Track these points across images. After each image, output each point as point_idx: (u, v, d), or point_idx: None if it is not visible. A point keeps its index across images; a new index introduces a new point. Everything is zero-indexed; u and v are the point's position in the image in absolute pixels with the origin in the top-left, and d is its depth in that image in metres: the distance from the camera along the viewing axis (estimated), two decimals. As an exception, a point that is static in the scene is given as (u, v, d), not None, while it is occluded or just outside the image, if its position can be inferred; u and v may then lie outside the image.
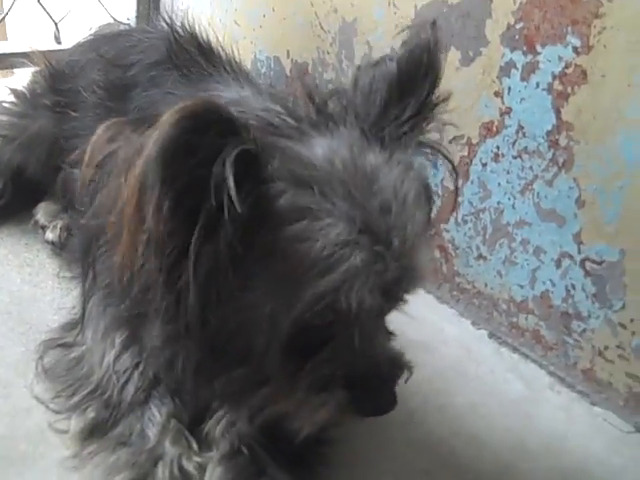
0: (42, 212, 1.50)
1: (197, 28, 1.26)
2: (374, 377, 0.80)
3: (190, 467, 0.92)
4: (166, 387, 0.98)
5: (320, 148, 0.77)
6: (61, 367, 1.05)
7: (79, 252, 1.19)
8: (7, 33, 2.62)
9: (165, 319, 0.76)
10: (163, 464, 0.90)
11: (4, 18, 2.19)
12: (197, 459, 0.93)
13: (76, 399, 0.99)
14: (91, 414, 0.96)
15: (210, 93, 1.07)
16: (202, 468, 0.93)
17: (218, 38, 1.27)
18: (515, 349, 1.31)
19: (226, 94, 1.06)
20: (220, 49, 1.25)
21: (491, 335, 1.35)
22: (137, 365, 0.99)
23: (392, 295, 0.79)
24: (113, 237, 0.72)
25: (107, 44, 1.43)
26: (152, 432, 0.94)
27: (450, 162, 0.97)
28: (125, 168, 0.68)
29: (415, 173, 0.83)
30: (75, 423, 0.96)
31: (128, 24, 2.08)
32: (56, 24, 2.16)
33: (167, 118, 0.63)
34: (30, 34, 2.42)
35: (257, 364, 0.78)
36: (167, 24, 1.27)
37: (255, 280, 0.73)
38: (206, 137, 0.65)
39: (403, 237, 0.76)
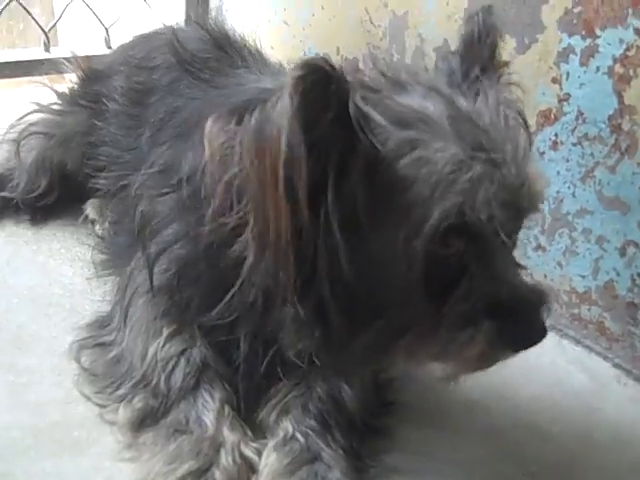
0: (91, 207, 1.53)
1: (228, 25, 1.28)
2: (519, 304, 0.78)
3: (250, 453, 0.92)
4: (215, 373, 0.97)
5: (412, 97, 0.79)
6: (101, 367, 1.04)
7: (121, 249, 1.20)
8: (58, 39, 2.69)
9: (297, 298, 0.77)
10: (225, 451, 0.89)
11: (55, 24, 2.24)
12: (254, 445, 0.93)
13: (121, 392, 0.98)
14: (139, 404, 0.95)
15: (241, 87, 1.09)
16: (259, 454, 0.92)
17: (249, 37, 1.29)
18: (578, 341, 1.27)
19: (261, 85, 1.06)
20: (247, 46, 1.27)
21: (552, 328, 1.31)
22: (183, 352, 0.98)
23: (517, 208, 0.78)
24: (255, 223, 0.72)
25: (140, 44, 1.45)
26: (209, 419, 0.92)
27: (523, 119, 0.94)
28: (257, 150, 0.69)
29: (506, 101, 0.87)
30: (123, 413, 0.95)
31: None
32: (107, 29, 2.21)
33: (290, 85, 0.66)
34: (82, 39, 2.48)
35: (396, 311, 0.78)
36: (196, 23, 1.28)
37: (384, 217, 0.75)
38: (330, 88, 0.69)
39: (515, 147, 0.78)
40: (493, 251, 0.77)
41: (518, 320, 0.77)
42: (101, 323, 1.12)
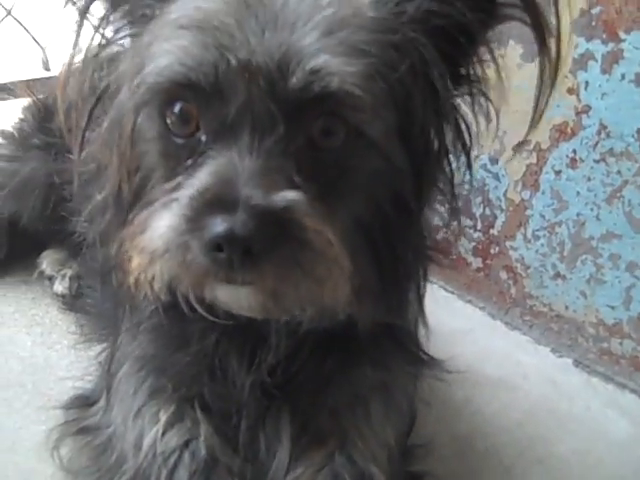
0: (47, 261, 1.34)
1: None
2: (219, 199, 0.60)
3: None
4: (225, 468, 0.80)
5: None
6: (85, 457, 0.87)
7: (106, 306, 1.01)
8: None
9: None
10: None
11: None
12: None
13: None
14: None
15: None
16: None
17: None
18: (609, 378, 1.15)
19: None
20: None
21: (577, 363, 1.19)
22: (187, 444, 0.81)
23: (269, 85, 0.62)
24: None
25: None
26: None
27: None
28: None
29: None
30: None
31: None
32: (43, 49, 2.01)
33: None
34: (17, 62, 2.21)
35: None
36: None
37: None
38: None
39: (294, 20, 0.64)
40: (228, 134, 0.63)
41: (209, 210, 0.60)
42: (84, 401, 0.94)
